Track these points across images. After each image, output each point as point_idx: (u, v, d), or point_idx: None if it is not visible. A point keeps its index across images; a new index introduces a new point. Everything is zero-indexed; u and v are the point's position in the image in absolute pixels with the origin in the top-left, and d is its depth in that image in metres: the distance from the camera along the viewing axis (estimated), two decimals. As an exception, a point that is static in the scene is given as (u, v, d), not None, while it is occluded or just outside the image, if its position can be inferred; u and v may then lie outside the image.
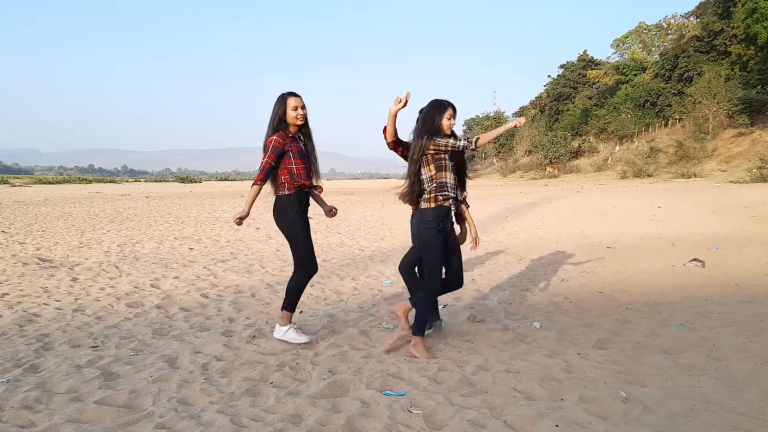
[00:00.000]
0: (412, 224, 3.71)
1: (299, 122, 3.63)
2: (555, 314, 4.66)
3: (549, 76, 74.04)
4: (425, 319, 3.60)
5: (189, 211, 16.50)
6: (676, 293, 5.26)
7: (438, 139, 3.38)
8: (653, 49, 63.40)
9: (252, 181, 3.67)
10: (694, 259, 6.66)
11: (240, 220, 3.60)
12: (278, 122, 3.60)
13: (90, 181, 53.53)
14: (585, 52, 67.55)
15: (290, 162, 3.61)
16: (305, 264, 3.78)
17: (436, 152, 3.42)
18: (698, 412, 2.66)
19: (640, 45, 65.70)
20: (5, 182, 42.03)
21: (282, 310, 3.85)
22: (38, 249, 8.23)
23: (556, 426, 2.52)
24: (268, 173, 3.60)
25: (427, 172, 3.45)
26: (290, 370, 3.28)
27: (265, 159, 3.55)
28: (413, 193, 3.50)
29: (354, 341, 3.88)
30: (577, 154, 50.71)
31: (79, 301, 5.02)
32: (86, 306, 4.84)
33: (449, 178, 3.46)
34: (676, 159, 36.45)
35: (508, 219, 13.49)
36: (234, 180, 68.81)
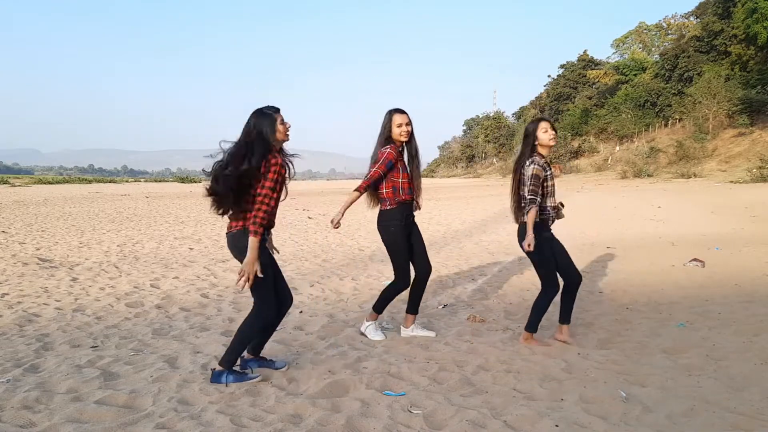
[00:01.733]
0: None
1: (403, 139, 3.69)
2: (555, 314, 4.65)
3: (549, 76, 74.13)
4: (540, 316, 3.76)
5: (189, 211, 16.50)
6: (676, 293, 5.26)
7: (530, 182, 3.54)
8: (653, 49, 63.38)
9: (359, 187, 3.68)
10: (694, 259, 6.66)
11: (338, 224, 3.63)
12: (386, 138, 3.71)
13: (90, 181, 53.50)
14: (585, 52, 67.57)
15: (397, 176, 3.70)
16: (400, 275, 3.83)
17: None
18: (698, 412, 2.66)
19: (640, 45, 65.69)
20: (5, 182, 41.98)
21: (372, 308, 3.98)
22: (38, 249, 8.23)
23: (556, 426, 2.52)
24: (374, 183, 3.66)
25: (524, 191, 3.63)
26: (290, 370, 3.28)
27: (375, 169, 3.61)
28: (516, 209, 3.72)
29: (354, 341, 3.88)
30: (577, 154, 50.70)
31: (79, 301, 5.03)
32: (86, 306, 4.84)
33: (546, 202, 3.64)
34: (676, 159, 36.42)
35: (509, 219, 13.48)
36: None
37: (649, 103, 48.22)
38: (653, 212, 13.87)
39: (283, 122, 3.12)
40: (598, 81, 62.46)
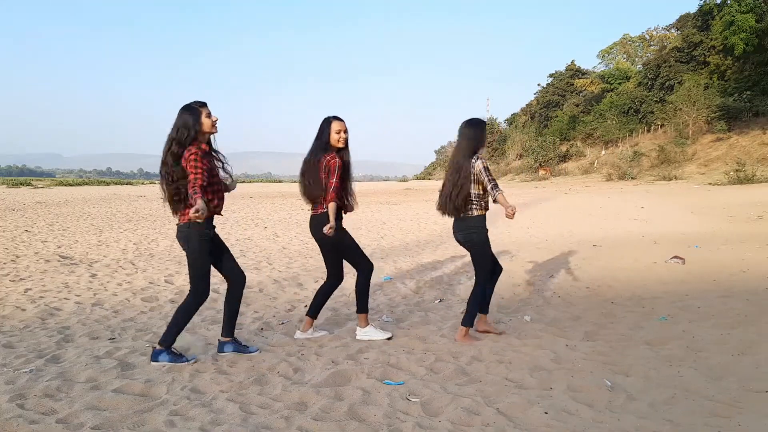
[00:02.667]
0: (457, 232, 3.72)
1: (340, 145, 3.56)
2: (544, 308, 4.66)
3: (539, 84, 74.14)
4: (476, 311, 3.71)
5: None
6: (658, 288, 5.26)
7: (484, 176, 3.50)
8: (636, 59, 63.38)
9: (328, 201, 3.47)
10: (675, 257, 6.66)
11: (331, 230, 3.43)
12: (324, 143, 3.55)
13: (108, 183, 53.50)
14: (572, 62, 67.48)
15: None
16: (335, 273, 3.80)
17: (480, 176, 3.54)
18: (679, 400, 2.66)
19: (625, 55, 65.68)
20: (28, 184, 41.99)
21: (357, 313, 3.79)
22: (59, 247, 8.23)
23: (546, 413, 2.52)
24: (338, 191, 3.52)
25: (476, 190, 3.56)
26: (296, 361, 3.28)
27: (334, 180, 3.45)
28: (458, 205, 3.60)
29: (355, 333, 3.87)
30: (565, 158, 50.64)
31: (97, 295, 5.02)
32: (104, 300, 4.84)
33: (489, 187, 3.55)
34: (658, 162, 36.38)
35: (501, 218, 13.48)
36: (243, 182, 68.74)
37: (632, 110, 48.19)
38: (637, 212, 13.87)
39: (209, 115, 3.15)
40: (585, 89, 62.41)
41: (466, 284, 5.69)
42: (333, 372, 3.07)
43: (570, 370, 3.10)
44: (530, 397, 2.71)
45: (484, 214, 3.63)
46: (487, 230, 3.65)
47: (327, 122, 3.58)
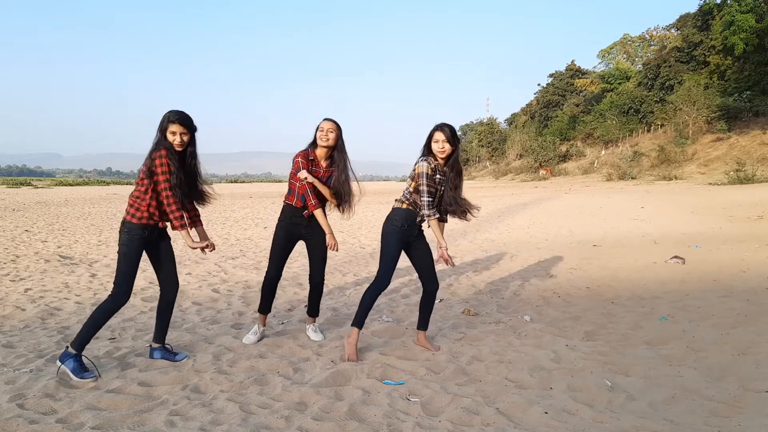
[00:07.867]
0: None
1: (321, 143, 3.50)
2: (544, 308, 4.66)
3: (539, 84, 74.16)
4: (366, 313, 3.47)
5: (200, 210, 16.47)
6: (658, 288, 5.26)
7: (415, 181, 3.32)
8: (636, 59, 63.40)
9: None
10: (675, 257, 6.66)
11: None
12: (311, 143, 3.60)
13: (108, 183, 53.44)
14: (573, 62, 67.47)
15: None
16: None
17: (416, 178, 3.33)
18: (679, 400, 2.66)
19: (625, 55, 65.69)
20: (28, 184, 41.96)
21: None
22: (59, 247, 8.23)
23: (546, 413, 2.52)
24: (308, 192, 3.64)
25: (409, 186, 3.39)
26: (296, 361, 3.28)
27: (291, 181, 3.70)
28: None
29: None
30: (565, 157, 50.66)
31: (97, 295, 5.02)
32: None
33: (423, 201, 3.31)
34: (658, 162, 36.38)
35: (501, 219, 13.48)
36: (243, 182, 68.70)
37: (632, 110, 48.19)
38: (637, 212, 13.86)
39: (174, 133, 3.01)
40: (585, 89, 62.42)
41: (466, 284, 5.69)
42: (333, 372, 3.07)
43: (570, 370, 3.10)
44: (530, 396, 2.71)
45: (407, 210, 3.34)
46: (404, 228, 3.35)
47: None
